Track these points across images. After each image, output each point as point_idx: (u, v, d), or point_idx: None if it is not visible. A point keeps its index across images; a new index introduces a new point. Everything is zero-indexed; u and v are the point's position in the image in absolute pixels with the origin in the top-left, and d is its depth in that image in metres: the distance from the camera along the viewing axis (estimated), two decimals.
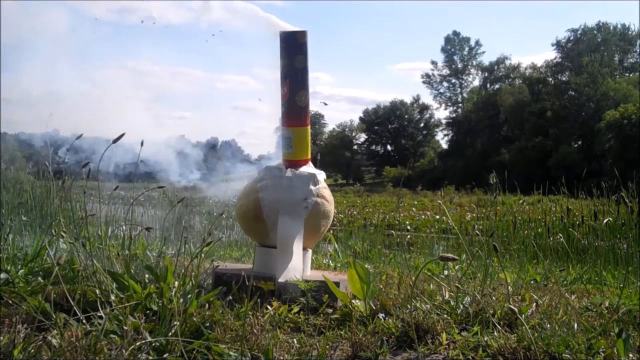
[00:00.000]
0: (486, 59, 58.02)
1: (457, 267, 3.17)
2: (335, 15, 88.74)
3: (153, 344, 1.39)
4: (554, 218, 6.67)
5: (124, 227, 3.20)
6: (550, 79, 48.08)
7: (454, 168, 45.30)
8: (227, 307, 1.72)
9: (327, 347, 1.58)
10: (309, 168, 2.35)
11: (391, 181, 40.33)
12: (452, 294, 2.08)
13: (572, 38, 47.30)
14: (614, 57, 46.85)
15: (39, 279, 2.07)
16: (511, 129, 46.88)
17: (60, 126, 4.45)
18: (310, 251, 2.41)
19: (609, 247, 4.66)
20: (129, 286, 1.75)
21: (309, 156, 2.39)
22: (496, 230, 5.51)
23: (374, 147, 61.92)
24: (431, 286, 2.32)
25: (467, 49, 56.05)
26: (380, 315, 1.83)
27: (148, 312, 1.64)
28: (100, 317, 1.48)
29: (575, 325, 1.70)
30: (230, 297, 1.83)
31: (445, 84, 57.74)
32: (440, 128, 59.72)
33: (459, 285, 2.13)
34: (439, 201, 6.14)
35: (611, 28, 46.96)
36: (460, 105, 56.79)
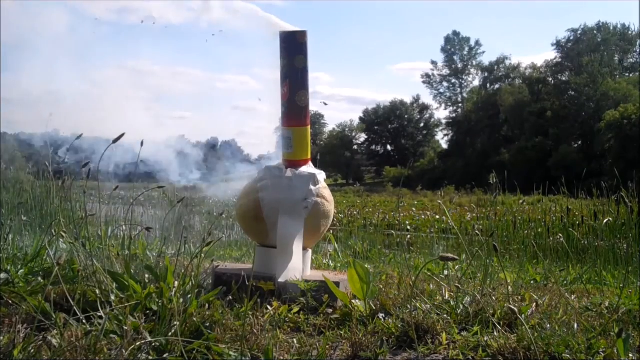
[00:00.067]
0: (486, 59, 58.12)
1: (457, 267, 3.17)
2: (335, 15, 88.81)
3: (153, 344, 1.39)
4: (554, 218, 6.67)
5: (124, 227, 3.20)
6: (550, 79, 48.08)
7: (454, 168, 45.30)
8: (227, 307, 1.72)
9: (327, 347, 1.58)
10: (309, 168, 2.35)
11: (391, 181, 40.33)
12: (452, 294, 2.08)
13: (572, 38, 47.32)
14: (614, 57, 46.85)
15: (39, 279, 2.07)
16: (511, 129, 46.88)
17: (60, 126, 4.45)
18: (310, 251, 2.41)
19: (609, 247, 4.66)
20: (129, 286, 1.75)
21: (309, 156, 2.39)
22: (496, 230, 5.51)
23: (374, 147, 61.93)
24: (431, 286, 2.32)
25: (467, 49, 56.06)
26: (380, 315, 1.83)
27: (148, 312, 1.64)
28: (100, 317, 1.48)
29: (575, 325, 1.70)
30: (230, 297, 1.83)
31: (445, 84, 57.79)
32: (440, 128, 59.80)
33: (459, 285, 2.13)
34: (439, 201, 6.14)
35: (611, 28, 46.96)
36: (460, 105, 56.80)
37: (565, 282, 3.06)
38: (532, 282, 2.98)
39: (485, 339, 1.60)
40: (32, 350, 1.31)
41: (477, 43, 55.89)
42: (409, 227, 10.93)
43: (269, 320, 1.68)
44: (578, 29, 47.03)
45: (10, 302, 1.79)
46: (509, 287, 2.19)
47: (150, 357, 1.34)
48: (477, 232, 3.90)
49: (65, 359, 1.26)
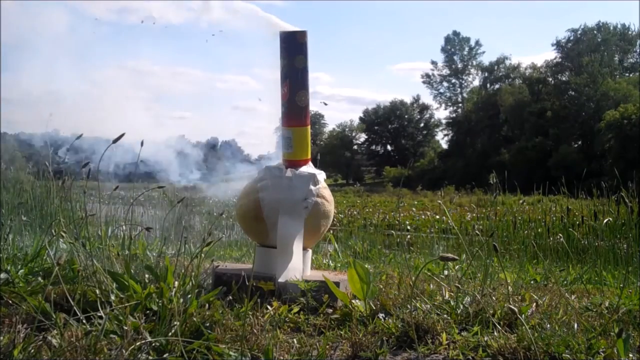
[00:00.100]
0: (486, 59, 58.11)
1: (457, 267, 3.17)
2: (335, 15, 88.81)
3: (153, 344, 1.39)
4: (554, 218, 6.68)
5: (124, 227, 3.20)
6: (550, 79, 48.08)
7: (454, 168, 45.29)
8: (227, 307, 1.72)
9: (327, 347, 1.58)
10: (309, 168, 2.35)
11: (391, 181, 40.33)
12: (452, 294, 2.07)
13: (572, 38, 47.32)
14: (614, 57, 46.85)
15: (39, 279, 2.07)
16: (511, 129, 46.88)
17: (61, 126, 4.45)
18: (310, 251, 2.41)
19: (609, 247, 4.66)
20: (129, 286, 1.75)
21: (309, 156, 2.39)
22: (496, 230, 5.51)
23: (374, 147, 61.92)
24: (431, 286, 2.32)
25: (467, 49, 56.05)
26: (380, 315, 1.83)
27: (148, 312, 1.64)
28: (100, 317, 1.48)
29: (575, 325, 1.70)
30: (230, 297, 1.83)
31: (445, 84, 57.78)
32: (440, 128, 59.79)
33: (459, 285, 2.13)
34: (439, 201, 6.14)
35: (611, 28, 46.96)
36: (460, 105, 56.80)
37: (565, 282, 3.06)
38: (532, 282, 2.98)
39: (485, 339, 1.60)
40: (32, 350, 1.31)
41: (477, 43, 55.95)
42: (409, 227, 10.93)
43: (269, 320, 1.68)
44: (578, 29, 47.08)
45: (10, 302, 1.79)
46: (509, 287, 2.19)
47: (150, 357, 1.34)
48: (477, 232, 3.90)
49: (65, 359, 1.26)
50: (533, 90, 47.12)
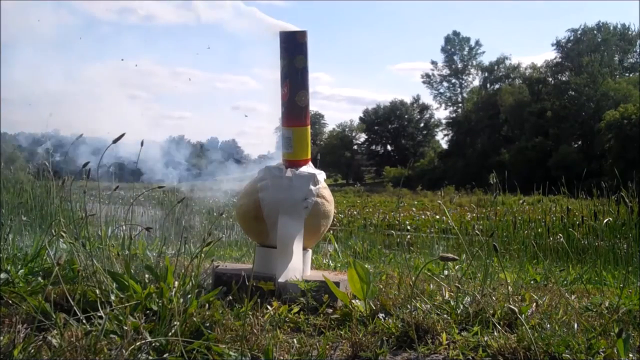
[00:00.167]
0: (486, 59, 58.11)
1: (457, 267, 3.17)
2: (335, 15, 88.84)
3: (153, 344, 1.39)
4: (554, 218, 6.68)
5: (124, 227, 3.20)
6: (550, 79, 48.06)
7: (454, 168, 45.28)
8: (227, 307, 1.72)
9: (327, 347, 1.58)
10: (309, 168, 2.35)
11: (391, 181, 40.33)
12: (452, 294, 2.07)
13: (572, 38, 47.29)
14: (614, 57, 46.84)
15: (39, 279, 2.07)
16: (511, 129, 46.87)
17: (61, 126, 4.45)
18: (310, 251, 2.41)
19: (609, 247, 4.66)
20: (129, 286, 1.75)
21: (309, 156, 2.39)
22: (496, 230, 5.50)
23: (374, 147, 61.92)
24: (431, 286, 2.32)
25: (467, 49, 56.04)
26: (380, 315, 1.83)
27: (148, 312, 1.64)
28: (100, 317, 1.48)
29: (575, 325, 1.70)
30: (230, 297, 1.83)
31: (445, 84, 57.76)
32: (440, 128, 59.78)
33: (459, 285, 2.13)
34: (439, 201, 6.14)
35: (611, 28, 46.95)
36: (460, 105, 56.78)
37: (565, 282, 3.06)
38: (532, 282, 2.98)
39: (485, 339, 1.60)
40: (32, 350, 1.31)
41: (477, 43, 55.93)
42: (409, 227, 10.94)
43: (269, 320, 1.68)
44: (578, 29, 47.05)
45: (10, 302, 1.79)
46: (509, 287, 2.19)
47: (150, 357, 1.34)
48: (477, 232, 3.90)
49: (65, 359, 1.26)
50: (533, 90, 47.10)
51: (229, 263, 2.69)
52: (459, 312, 1.87)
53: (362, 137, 62.34)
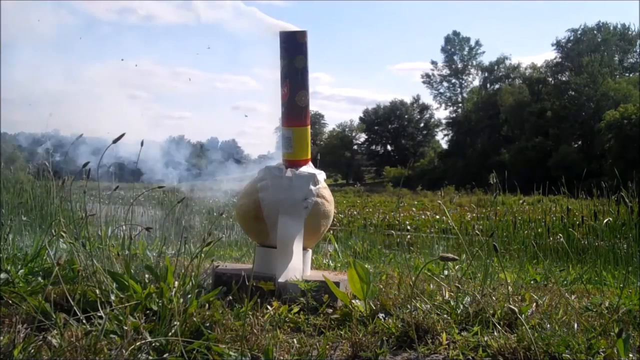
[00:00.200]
0: (486, 59, 58.09)
1: (457, 267, 3.17)
2: (335, 15, 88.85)
3: (153, 344, 1.39)
4: (554, 218, 6.68)
5: (124, 227, 3.20)
6: (550, 79, 48.06)
7: (454, 168, 45.28)
8: (227, 307, 1.72)
9: (327, 347, 1.58)
10: (309, 168, 2.35)
11: (391, 181, 40.34)
12: (452, 294, 2.07)
13: (572, 38, 47.29)
14: (614, 57, 46.83)
15: (39, 279, 2.07)
16: (511, 129, 46.87)
17: (61, 126, 4.45)
18: (310, 251, 2.41)
19: (609, 247, 4.66)
20: (129, 286, 1.75)
21: (309, 156, 2.39)
22: (496, 230, 5.51)
23: (374, 147, 61.92)
24: (431, 286, 2.32)
25: (467, 49, 56.03)
26: (380, 315, 1.83)
27: (148, 312, 1.64)
28: (100, 317, 1.48)
29: (575, 325, 1.70)
30: (230, 297, 1.83)
31: (445, 84, 57.75)
32: (440, 128, 59.78)
33: (459, 285, 2.13)
34: (439, 201, 6.14)
35: (611, 28, 46.94)
36: (460, 105, 56.78)
37: (565, 282, 3.06)
38: (532, 282, 2.98)
39: (485, 339, 1.60)
40: (32, 350, 1.31)
41: (477, 43, 55.92)
42: (409, 227, 10.94)
43: (269, 320, 1.68)
44: (578, 29, 47.06)
45: (10, 302, 1.79)
46: (509, 287, 2.19)
47: (150, 357, 1.34)
48: (477, 232, 3.90)
49: (65, 359, 1.26)
50: (533, 90, 47.10)
51: (229, 263, 2.69)
52: (459, 312, 1.87)
53: (362, 137, 62.43)
